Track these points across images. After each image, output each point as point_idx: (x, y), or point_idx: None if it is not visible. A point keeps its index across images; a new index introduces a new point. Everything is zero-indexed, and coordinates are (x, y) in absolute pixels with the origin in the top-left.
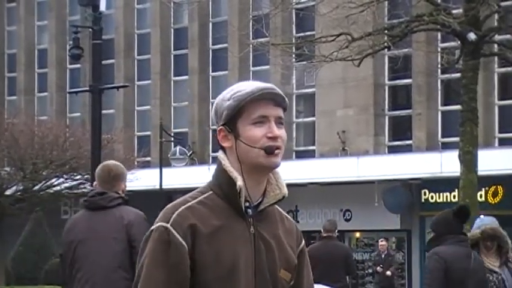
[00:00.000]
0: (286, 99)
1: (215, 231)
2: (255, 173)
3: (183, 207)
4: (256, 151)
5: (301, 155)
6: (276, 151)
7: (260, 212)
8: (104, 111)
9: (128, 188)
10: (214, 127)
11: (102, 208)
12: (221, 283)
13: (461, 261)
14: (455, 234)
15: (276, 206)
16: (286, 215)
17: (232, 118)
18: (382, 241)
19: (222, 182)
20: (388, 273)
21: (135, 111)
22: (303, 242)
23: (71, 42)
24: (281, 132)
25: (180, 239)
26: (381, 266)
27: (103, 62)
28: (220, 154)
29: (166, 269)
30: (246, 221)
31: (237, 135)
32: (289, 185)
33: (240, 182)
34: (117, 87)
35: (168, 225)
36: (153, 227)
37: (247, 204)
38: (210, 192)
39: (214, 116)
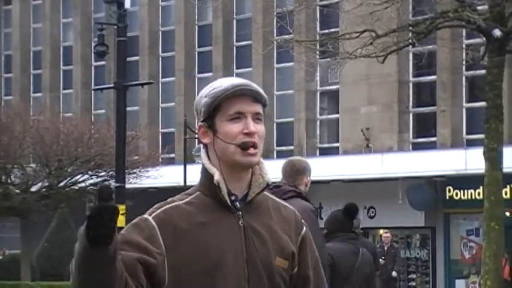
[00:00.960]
0: (265, 95)
1: (199, 227)
2: (233, 169)
3: (167, 206)
4: (232, 147)
5: (325, 152)
6: (251, 149)
7: (249, 204)
8: (128, 108)
9: (152, 185)
10: None
11: None
12: (206, 277)
13: (348, 258)
14: (344, 232)
15: (270, 195)
16: (285, 203)
17: (210, 115)
18: (386, 233)
19: (205, 180)
20: (394, 274)
21: (160, 108)
22: (305, 228)
23: (95, 39)
24: (258, 128)
25: (156, 225)
26: (383, 257)
27: (127, 59)
28: (202, 151)
29: (129, 242)
30: (234, 214)
31: (215, 132)
32: (313, 182)
33: (216, 177)
34: (142, 84)
35: (149, 217)
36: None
37: (233, 197)
38: (198, 192)
39: (195, 113)
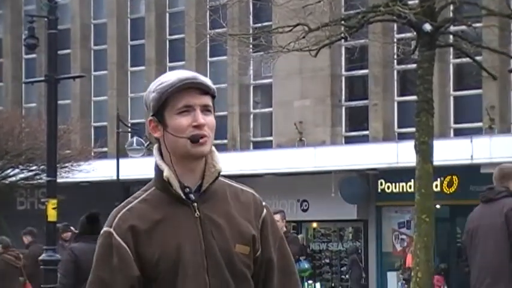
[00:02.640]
0: (213, 87)
1: (155, 226)
2: (185, 162)
3: (124, 210)
4: (182, 141)
5: (258, 146)
6: (202, 139)
7: (204, 194)
8: (60, 102)
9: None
10: None
11: (489, 200)
12: (169, 274)
13: (90, 256)
14: (87, 234)
15: (229, 182)
16: (243, 187)
17: (159, 109)
18: (277, 221)
19: (157, 175)
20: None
21: (92, 102)
22: (265, 211)
23: (26, 32)
24: (208, 119)
25: (121, 241)
26: None
27: (59, 52)
28: (154, 147)
29: (110, 271)
30: (189, 206)
31: (165, 126)
32: (246, 176)
33: (166, 173)
34: (73, 78)
35: (111, 229)
36: (101, 232)
37: (187, 190)
38: (153, 188)
39: (144, 107)
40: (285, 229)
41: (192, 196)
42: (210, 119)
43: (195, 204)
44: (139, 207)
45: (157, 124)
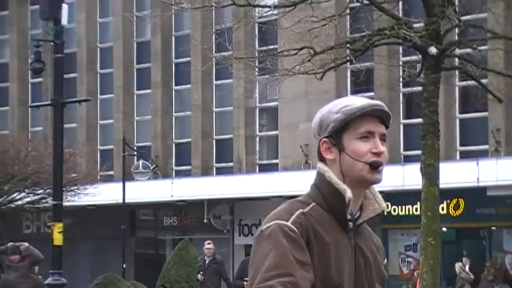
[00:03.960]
0: (391, 117)
1: (323, 241)
2: (356, 187)
3: (297, 212)
4: (361, 165)
5: (264, 169)
6: (380, 167)
7: (358, 226)
8: (66, 125)
9: (90, 202)
10: (178, 141)
11: None
12: None
13: None
14: None
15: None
16: (371, 231)
17: (338, 131)
18: (209, 244)
19: (327, 194)
20: (199, 277)
21: (98, 125)
22: (386, 260)
23: (32, 56)
24: (384, 149)
25: (300, 236)
26: (201, 273)
27: (65, 75)
28: (322, 166)
29: (298, 261)
30: (348, 234)
31: (341, 148)
32: (252, 199)
33: (349, 194)
34: (79, 101)
35: (288, 223)
36: (263, 227)
37: (349, 217)
38: (313, 203)
39: (317, 128)
40: None
41: (351, 224)
42: (385, 149)
43: (352, 233)
44: (309, 217)
45: (332, 146)
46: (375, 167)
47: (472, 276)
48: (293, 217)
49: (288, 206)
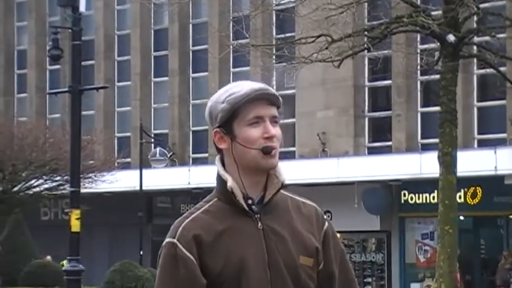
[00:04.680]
0: (280, 98)
1: (219, 236)
2: (253, 173)
3: (187, 220)
4: (253, 152)
5: (281, 156)
6: (273, 151)
7: (266, 206)
8: (83, 113)
9: (108, 189)
10: (195, 128)
11: None
12: (232, 285)
13: None
14: None
15: (290, 194)
16: (304, 200)
17: (228, 120)
18: None
19: (220, 186)
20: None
21: (115, 113)
22: (326, 224)
23: (50, 43)
24: (276, 131)
25: (186, 252)
26: None
27: (83, 63)
28: (216, 158)
29: (176, 283)
30: (252, 218)
31: (233, 137)
32: None
33: (229, 183)
34: (97, 88)
35: (175, 240)
36: (163, 243)
37: (250, 201)
38: (215, 199)
39: (208, 118)
40: None
41: (254, 208)
42: (278, 131)
43: (258, 215)
44: (202, 218)
45: (224, 135)
46: (267, 152)
47: None
48: (179, 230)
49: (188, 212)
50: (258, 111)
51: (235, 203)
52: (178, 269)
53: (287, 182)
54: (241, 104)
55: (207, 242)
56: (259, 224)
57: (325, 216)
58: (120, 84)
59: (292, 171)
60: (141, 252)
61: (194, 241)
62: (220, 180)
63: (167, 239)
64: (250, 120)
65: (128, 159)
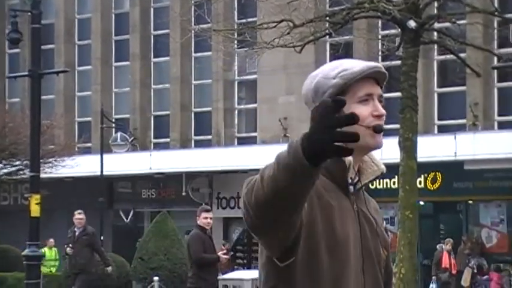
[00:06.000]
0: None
1: (327, 203)
2: (357, 152)
3: None
4: (362, 129)
5: (243, 142)
6: (382, 131)
7: (359, 190)
8: (43, 97)
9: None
10: (156, 113)
11: None
12: (333, 252)
13: None
14: None
15: None
16: (367, 195)
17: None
18: (80, 214)
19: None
20: (110, 269)
21: (76, 97)
22: (384, 222)
23: (9, 26)
24: (384, 111)
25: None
26: (70, 246)
27: (43, 47)
28: None
29: None
30: (349, 198)
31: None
32: (231, 172)
33: (350, 157)
34: (57, 72)
35: None
36: None
37: (349, 181)
38: None
39: (311, 94)
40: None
41: (351, 188)
42: (383, 110)
43: (353, 197)
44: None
45: None
46: (378, 130)
47: None
48: None
49: None
50: (369, 89)
51: (340, 178)
52: None
53: (253, 167)
54: (355, 81)
55: (317, 203)
56: (355, 206)
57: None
58: (81, 68)
59: (254, 157)
60: (102, 238)
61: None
62: None
63: None
64: (361, 98)
65: (89, 144)
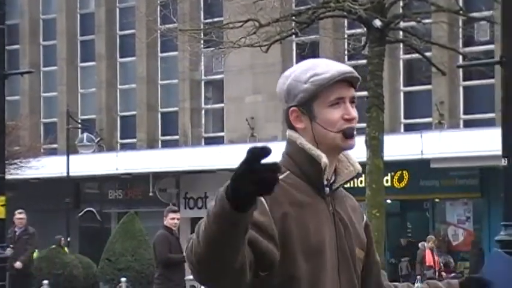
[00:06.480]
0: (360, 79)
1: (301, 208)
2: (329, 153)
3: None
4: (333, 134)
5: (210, 141)
6: (353, 134)
7: (334, 191)
8: (8, 98)
9: (34, 176)
10: (123, 113)
11: None
12: (309, 257)
13: None
14: None
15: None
16: (346, 193)
17: (307, 100)
18: (20, 213)
19: (301, 161)
20: (18, 264)
21: (41, 98)
22: (365, 217)
23: None
24: (355, 112)
25: (267, 207)
26: (11, 246)
27: (7, 47)
28: (292, 133)
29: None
30: (325, 200)
31: (312, 117)
32: (198, 172)
33: (325, 159)
34: (22, 73)
35: None
36: None
37: (325, 182)
38: (288, 172)
39: (283, 95)
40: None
41: (327, 190)
42: (356, 112)
43: (329, 198)
44: (282, 186)
45: (302, 115)
46: (348, 135)
47: None
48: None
49: None
50: (340, 93)
51: (314, 180)
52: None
53: (220, 167)
54: (327, 86)
55: (285, 207)
56: (330, 207)
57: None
58: (46, 69)
59: (222, 156)
60: (69, 239)
61: (275, 199)
62: (304, 156)
63: None
64: (331, 102)
65: (55, 145)
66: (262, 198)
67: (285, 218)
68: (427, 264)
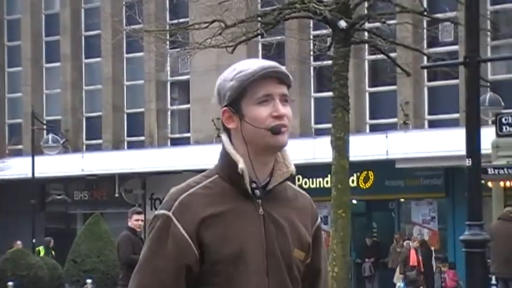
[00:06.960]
0: (291, 77)
1: (219, 216)
2: (262, 154)
3: (185, 194)
4: (262, 131)
5: (176, 142)
6: (283, 129)
7: (269, 192)
8: None
9: None
10: (88, 114)
11: None
12: (229, 266)
13: None
14: None
15: (290, 183)
16: (301, 191)
17: (236, 99)
18: None
19: (226, 165)
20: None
21: (6, 99)
22: (319, 219)
23: None
24: (286, 110)
25: (181, 228)
26: None
27: None
28: (223, 136)
29: (164, 257)
30: (254, 202)
31: (241, 116)
32: (164, 173)
33: (241, 165)
34: None
35: (170, 214)
36: (156, 213)
37: (254, 185)
38: (216, 176)
39: (216, 97)
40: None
41: (257, 192)
42: (288, 109)
43: (260, 201)
44: (201, 194)
45: (232, 114)
46: (276, 132)
47: None
48: (176, 203)
49: (185, 184)
50: (267, 90)
51: (239, 184)
52: (169, 245)
53: (187, 168)
54: (250, 82)
55: (206, 219)
56: (261, 210)
57: (317, 212)
58: (11, 69)
59: (188, 157)
60: (34, 240)
61: (191, 217)
62: (227, 159)
63: (162, 211)
64: (259, 99)
65: (20, 146)
66: (175, 221)
67: (200, 231)
68: (410, 264)
